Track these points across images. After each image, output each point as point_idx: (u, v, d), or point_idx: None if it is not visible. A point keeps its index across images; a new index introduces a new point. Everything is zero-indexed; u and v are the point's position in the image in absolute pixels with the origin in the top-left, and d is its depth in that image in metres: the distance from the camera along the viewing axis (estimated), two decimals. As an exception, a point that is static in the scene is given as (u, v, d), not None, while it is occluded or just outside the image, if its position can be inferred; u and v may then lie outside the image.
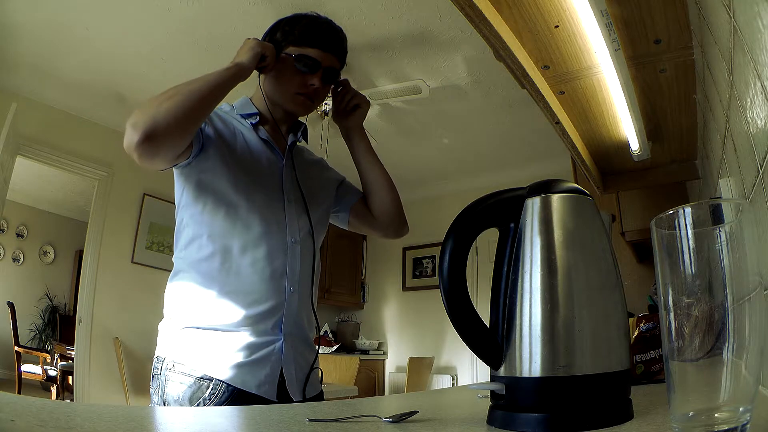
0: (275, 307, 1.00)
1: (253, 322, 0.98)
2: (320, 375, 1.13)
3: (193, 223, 1.03)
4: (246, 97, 1.15)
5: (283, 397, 0.99)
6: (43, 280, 6.47)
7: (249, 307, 0.98)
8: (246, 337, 0.97)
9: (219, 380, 0.93)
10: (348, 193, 1.26)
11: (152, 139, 0.85)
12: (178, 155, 0.95)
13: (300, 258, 1.05)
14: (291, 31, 1.07)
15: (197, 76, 0.95)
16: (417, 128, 4.01)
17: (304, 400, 1.02)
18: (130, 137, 0.85)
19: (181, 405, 0.92)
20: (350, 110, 1.20)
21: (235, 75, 0.97)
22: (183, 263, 1.04)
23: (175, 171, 1.05)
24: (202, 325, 0.98)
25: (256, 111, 1.11)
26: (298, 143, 1.19)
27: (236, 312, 0.98)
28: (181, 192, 1.06)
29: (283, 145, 1.13)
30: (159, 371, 0.98)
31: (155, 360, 1.00)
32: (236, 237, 1.00)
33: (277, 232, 1.03)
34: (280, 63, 1.06)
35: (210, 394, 0.93)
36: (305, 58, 1.05)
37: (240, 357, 0.96)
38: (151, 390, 0.99)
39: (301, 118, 1.19)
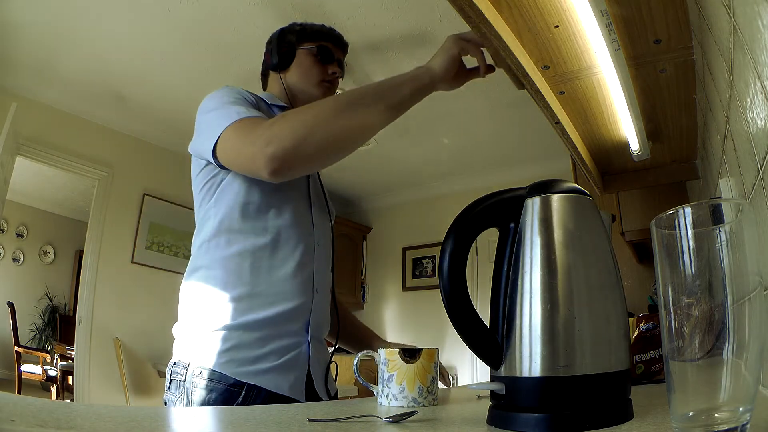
0: (303, 306, 0.99)
1: (283, 322, 0.97)
2: (336, 371, 1.15)
3: (219, 217, 0.98)
4: (268, 93, 1.16)
5: (311, 398, 0.99)
6: (43, 280, 6.47)
7: (279, 307, 0.96)
8: (275, 338, 0.96)
9: (252, 385, 0.91)
10: None
11: (292, 172, 0.86)
12: None
13: (324, 261, 1.07)
14: (303, 30, 1.15)
15: (379, 83, 0.88)
16: (417, 128, 4.01)
17: (329, 398, 1.04)
18: (259, 161, 0.81)
19: None
20: None
21: (427, 85, 0.91)
22: (206, 258, 0.98)
23: (199, 162, 1.01)
24: (232, 328, 0.94)
25: (287, 104, 1.13)
26: None
27: (266, 313, 0.95)
28: (203, 185, 1.01)
29: None
30: (183, 377, 0.92)
31: (175, 365, 0.95)
32: (267, 237, 0.98)
33: (306, 235, 1.03)
34: (302, 59, 1.13)
35: (243, 400, 0.90)
36: (324, 50, 1.13)
37: (271, 360, 0.94)
38: (167, 395, 0.95)
39: None
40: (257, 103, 1.03)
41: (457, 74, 0.96)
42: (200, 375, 0.91)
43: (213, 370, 0.91)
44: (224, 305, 0.95)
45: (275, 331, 0.96)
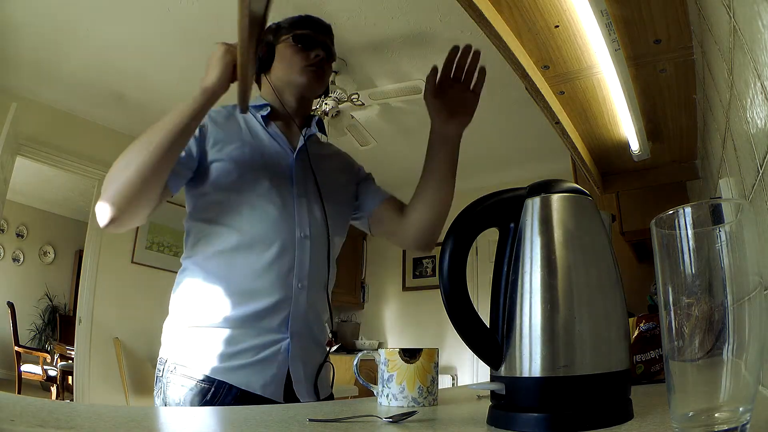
0: (281, 302, 0.97)
1: (258, 319, 0.95)
2: (332, 374, 1.11)
3: (200, 225, 1.02)
4: (259, 95, 1.15)
5: (290, 398, 0.96)
6: (43, 280, 6.47)
7: (254, 303, 0.95)
8: (251, 336, 0.95)
9: (222, 381, 0.91)
10: (368, 195, 1.20)
11: (116, 222, 0.88)
12: (156, 206, 0.94)
13: (310, 253, 1.02)
14: (278, 27, 1.12)
15: (162, 119, 0.89)
16: (417, 128, 4.01)
17: (316, 400, 1.01)
18: (98, 221, 0.89)
19: None
20: (461, 107, 1.07)
21: (201, 106, 0.90)
22: (189, 262, 1.02)
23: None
24: (206, 324, 0.95)
25: (266, 103, 1.11)
26: (316, 135, 1.18)
27: (241, 309, 0.95)
28: (189, 200, 1.05)
29: (296, 139, 1.12)
30: (161, 373, 0.95)
31: (158, 362, 0.98)
32: (241, 233, 0.98)
33: (285, 227, 1.01)
34: (282, 52, 1.10)
35: (212, 397, 0.90)
36: (303, 36, 1.09)
37: (245, 357, 0.93)
38: (154, 392, 0.97)
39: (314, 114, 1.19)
40: (216, 119, 1.05)
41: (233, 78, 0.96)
42: (174, 371, 0.93)
43: (185, 366, 0.93)
44: (200, 303, 0.97)
45: (250, 327, 0.95)
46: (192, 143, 0.99)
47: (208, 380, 0.91)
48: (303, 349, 1.00)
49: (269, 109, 1.10)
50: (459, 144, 1.09)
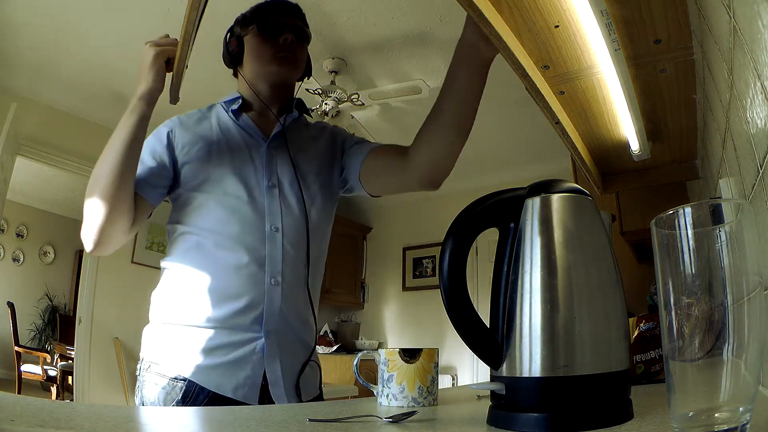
0: (254, 299, 0.94)
1: (229, 318, 0.93)
2: (319, 374, 1.07)
3: (174, 226, 1.03)
4: (236, 91, 1.14)
5: (266, 401, 0.93)
6: (43, 280, 6.47)
7: (224, 303, 0.93)
8: (223, 335, 0.92)
9: (193, 381, 0.89)
10: (353, 157, 1.13)
11: (100, 246, 0.91)
12: (134, 220, 0.95)
13: (283, 246, 0.98)
14: (244, 16, 1.10)
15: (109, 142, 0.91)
16: (417, 128, 4.01)
17: (298, 402, 0.97)
18: (85, 248, 0.92)
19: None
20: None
21: (143, 113, 0.91)
22: (165, 263, 1.02)
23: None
24: (177, 322, 0.94)
25: (238, 96, 1.09)
26: (305, 118, 1.17)
27: (211, 308, 0.93)
28: (171, 204, 1.06)
29: (272, 128, 1.09)
30: (139, 372, 0.95)
31: (139, 361, 0.98)
32: (210, 231, 0.97)
33: (254, 221, 0.97)
34: (249, 43, 1.08)
35: (183, 396, 0.88)
36: (268, 23, 1.06)
37: (216, 357, 0.91)
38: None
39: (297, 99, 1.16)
40: (186, 123, 1.05)
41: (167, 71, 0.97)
42: (148, 369, 0.94)
43: (158, 365, 0.92)
44: (172, 303, 0.97)
45: (222, 326, 0.93)
46: (163, 153, 1.00)
47: (180, 379, 0.90)
48: (281, 348, 0.96)
49: (240, 101, 1.08)
50: (486, 75, 0.93)
